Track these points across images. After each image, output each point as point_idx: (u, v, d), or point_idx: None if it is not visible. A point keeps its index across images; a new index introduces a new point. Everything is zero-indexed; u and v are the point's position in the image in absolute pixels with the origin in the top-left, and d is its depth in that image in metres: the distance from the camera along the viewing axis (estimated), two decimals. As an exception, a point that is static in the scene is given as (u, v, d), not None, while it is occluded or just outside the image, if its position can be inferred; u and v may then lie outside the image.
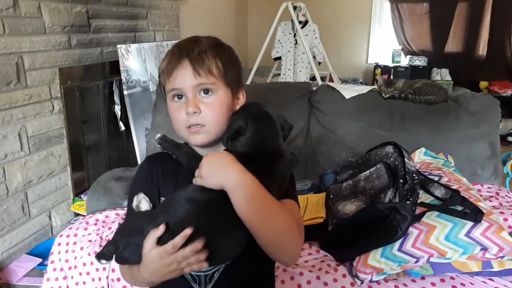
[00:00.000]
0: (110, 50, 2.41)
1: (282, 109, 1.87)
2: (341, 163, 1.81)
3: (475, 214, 1.21)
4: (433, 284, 1.21)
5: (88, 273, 1.43)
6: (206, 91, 0.86)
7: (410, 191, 1.28)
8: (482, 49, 4.87)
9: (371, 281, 1.23)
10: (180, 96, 0.87)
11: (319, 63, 3.86)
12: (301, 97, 2.07)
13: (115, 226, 1.54)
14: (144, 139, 2.49)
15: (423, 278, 1.23)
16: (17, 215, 1.87)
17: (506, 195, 1.64)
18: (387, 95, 1.98)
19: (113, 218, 1.62)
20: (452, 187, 1.37)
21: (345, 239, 1.34)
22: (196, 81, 0.84)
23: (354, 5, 5.26)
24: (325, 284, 1.22)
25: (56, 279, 1.49)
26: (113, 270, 1.40)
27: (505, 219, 1.40)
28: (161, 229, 0.74)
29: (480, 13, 4.78)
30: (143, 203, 0.87)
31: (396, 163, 1.42)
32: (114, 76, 2.39)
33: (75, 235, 1.53)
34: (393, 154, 1.49)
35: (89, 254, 1.44)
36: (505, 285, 1.21)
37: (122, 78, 2.35)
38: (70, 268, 1.46)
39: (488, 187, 1.73)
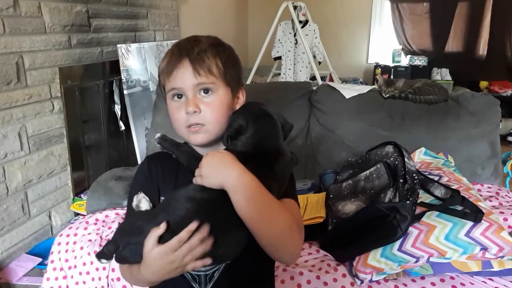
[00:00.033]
0: (110, 50, 2.41)
1: (282, 109, 1.87)
2: (341, 163, 1.81)
3: (475, 214, 1.21)
4: (433, 284, 1.21)
5: (88, 273, 1.43)
6: (206, 91, 0.86)
7: (410, 191, 1.28)
8: (482, 49, 4.88)
9: (371, 281, 1.23)
10: (180, 96, 0.87)
11: (319, 62, 3.86)
12: (301, 97, 2.07)
13: (115, 226, 1.54)
14: (144, 138, 2.49)
15: (423, 278, 1.23)
16: (17, 215, 1.87)
17: (506, 195, 1.64)
18: (387, 95, 1.98)
19: (113, 217, 1.62)
20: (452, 187, 1.37)
21: (345, 239, 1.34)
22: (196, 80, 0.84)
23: (355, 5, 5.26)
24: (325, 283, 1.22)
25: (56, 278, 1.49)
26: (113, 270, 1.40)
27: (505, 219, 1.40)
28: (162, 227, 0.74)
29: (481, 13, 4.78)
30: (143, 202, 0.87)
31: (396, 163, 1.42)
32: (114, 75, 2.39)
33: (75, 234, 1.53)
34: (393, 154, 1.49)
35: (89, 254, 1.44)
36: (505, 285, 1.21)
37: (122, 78, 2.35)
38: (70, 268, 1.46)
39: (488, 187, 1.73)
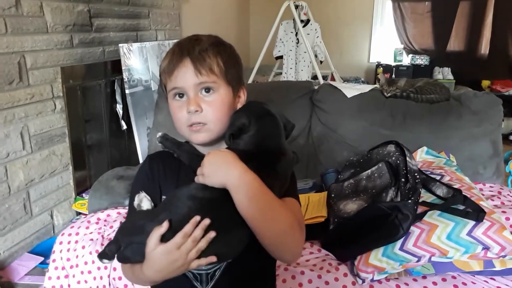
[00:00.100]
0: (112, 49, 2.41)
1: (283, 108, 1.87)
2: (342, 162, 1.81)
3: (477, 213, 1.20)
4: (434, 283, 1.21)
5: (89, 272, 1.43)
6: (208, 90, 0.86)
7: (412, 190, 1.27)
8: (484, 48, 4.87)
9: (372, 280, 1.23)
10: (181, 95, 0.87)
11: (321, 62, 3.86)
12: (302, 96, 2.07)
13: (116, 225, 1.54)
14: (146, 138, 2.49)
15: (424, 277, 1.23)
16: (19, 214, 1.88)
17: (508, 194, 1.63)
18: (389, 94, 1.98)
19: (115, 217, 1.62)
20: (454, 186, 1.37)
21: (347, 238, 1.34)
22: (198, 79, 0.84)
23: (356, 4, 5.26)
24: (327, 283, 1.22)
25: (58, 277, 1.49)
26: (114, 269, 1.40)
27: (507, 218, 1.39)
28: (164, 226, 0.74)
29: (482, 12, 4.77)
30: (144, 202, 0.87)
31: (398, 162, 1.42)
32: (116, 75, 2.40)
33: (77, 234, 1.53)
34: (395, 153, 1.48)
35: (90, 253, 1.44)
36: (507, 285, 1.20)
37: (124, 77, 2.35)
38: (71, 267, 1.46)
39: (490, 186, 1.73)
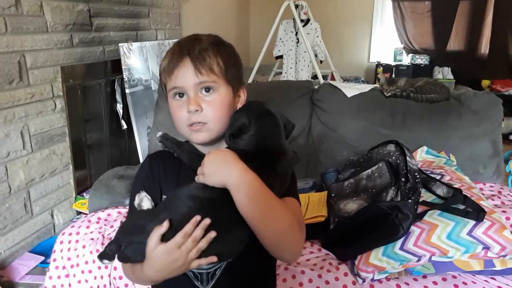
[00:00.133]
0: (112, 49, 2.41)
1: (283, 108, 1.87)
2: (342, 162, 1.81)
3: (477, 213, 1.20)
4: (435, 282, 1.21)
5: (90, 271, 1.43)
6: (208, 89, 0.86)
7: (412, 190, 1.27)
8: (484, 47, 4.87)
9: (372, 279, 1.23)
10: (181, 95, 0.87)
11: (321, 61, 3.86)
12: (302, 96, 2.07)
13: (117, 225, 1.54)
14: (146, 137, 2.49)
15: (425, 277, 1.23)
16: (19, 213, 1.88)
17: (508, 194, 1.63)
18: (389, 94, 1.98)
19: (115, 216, 1.62)
20: (454, 186, 1.37)
21: (347, 238, 1.34)
22: (198, 79, 0.84)
23: (356, 4, 5.26)
24: (327, 282, 1.22)
25: (59, 277, 1.49)
26: (115, 268, 1.40)
27: (507, 218, 1.39)
28: (165, 225, 0.74)
29: (482, 12, 4.77)
30: (145, 201, 0.87)
31: (398, 161, 1.42)
32: (116, 74, 2.40)
33: (77, 233, 1.53)
34: (395, 152, 1.48)
35: (91, 252, 1.44)
36: (507, 284, 1.20)
37: (124, 77, 2.35)
38: (72, 266, 1.47)
39: (490, 186, 1.73)
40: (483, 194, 1.52)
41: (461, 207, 1.25)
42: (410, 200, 1.22)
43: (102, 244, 1.45)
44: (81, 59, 2.18)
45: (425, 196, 1.36)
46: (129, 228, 0.84)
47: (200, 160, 0.79)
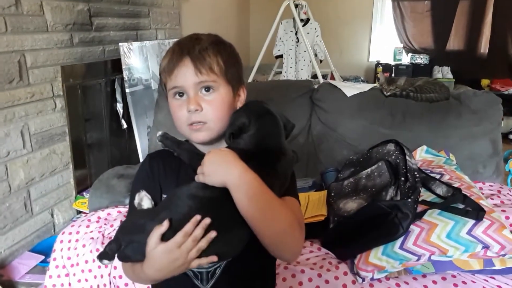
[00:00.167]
0: (112, 48, 2.41)
1: (283, 107, 1.87)
2: (342, 161, 1.81)
3: (476, 212, 1.21)
4: (434, 282, 1.21)
5: (90, 270, 1.43)
6: (207, 89, 0.86)
7: (412, 189, 1.28)
8: (484, 47, 4.87)
9: (372, 279, 1.23)
10: (181, 94, 0.88)
11: (321, 61, 3.87)
12: (302, 95, 2.07)
13: (117, 224, 1.54)
14: (146, 137, 2.49)
15: (424, 276, 1.23)
16: (19, 213, 1.88)
17: (508, 193, 1.63)
18: (388, 93, 1.98)
19: (115, 215, 1.62)
20: (454, 185, 1.37)
21: (347, 237, 1.35)
22: (198, 78, 0.85)
23: (356, 3, 5.26)
24: (326, 281, 1.22)
25: (59, 276, 1.50)
26: (115, 268, 1.40)
27: (507, 217, 1.40)
28: (165, 225, 0.74)
29: (482, 11, 4.77)
30: (145, 200, 0.87)
31: (398, 161, 1.42)
32: (116, 74, 2.40)
33: (77, 232, 1.54)
34: (394, 152, 1.48)
35: (91, 252, 1.44)
36: (506, 283, 1.20)
37: (124, 76, 2.36)
38: (72, 265, 1.47)
39: (490, 185, 1.73)
40: (483, 194, 1.52)
41: (461, 206, 1.25)
42: (409, 199, 1.22)
43: (102, 243, 1.45)
44: (81, 58, 2.18)
45: (425, 195, 1.36)
46: (129, 228, 0.84)
47: (200, 159, 0.79)
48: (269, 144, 0.84)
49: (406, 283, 1.22)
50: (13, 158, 1.82)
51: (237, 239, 0.78)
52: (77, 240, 1.51)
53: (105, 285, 1.41)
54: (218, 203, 0.77)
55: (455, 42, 5.01)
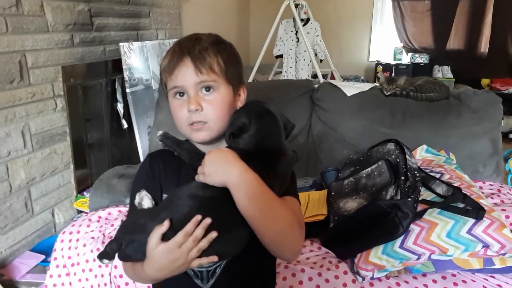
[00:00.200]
0: (112, 48, 2.41)
1: (283, 107, 1.88)
2: (342, 161, 1.81)
3: (476, 211, 1.21)
4: (434, 281, 1.21)
5: (90, 270, 1.44)
6: (208, 89, 0.86)
7: (412, 188, 1.28)
8: (484, 46, 4.86)
9: (372, 278, 1.23)
10: (181, 94, 0.88)
11: (321, 60, 3.87)
12: (302, 95, 2.08)
13: (117, 223, 1.55)
14: (146, 136, 2.49)
15: (424, 275, 1.23)
16: (20, 212, 1.88)
17: (508, 192, 1.64)
18: (388, 93, 1.98)
19: (116, 215, 1.63)
20: (454, 184, 1.37)
21: (347, 236, 1.35)
22: (198, 78, 0.85)
23: (356, 3, 5.26)
24: (327, 281, 1.22)
25: (59, 275, 1.50)
26: (115, 267, 1.40)
27: (507, 216, 1.40)
28: (165, 225, 0.74)
29: (482, 10, 4.77)
30: (145, 200, 0.88)
31: (398, 160, 1.42)
32: (116, 74, 2.40)
33: (78, 232, 1.54)
34: (394, 151, 1.49)
35: (91, 251, 1.45)
36: (506, 282, 1.20)
37: (125, 76, 2.36)
38: (73, 265, 1.47)
39: (490, 184, 1.73)
40: (483, 193, 1.52)
41: (461, 205, 1.25)
42: (409, 199, 1.23)
43: (103, 242, 1.46)
44: (82, 58, 2.18)
45: (425, 194, 1.36)
46: (129, 227, 0.84)
47: (201, 159, 0.80)
48: (269, 144, 0.84)
49: (406, 282, 1.22)
50: (14, 158, 1.82)
51: (237, 239, 0.79)
52: (77, 240, 1.51)
53: (105, 284, 1.42)
54: (218, 203, 0.78)
55: (455, 42, 5.00)
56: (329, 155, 1.97)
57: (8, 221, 1.82)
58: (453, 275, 1.22)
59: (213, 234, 0.74)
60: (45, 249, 1.92)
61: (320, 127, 2.03)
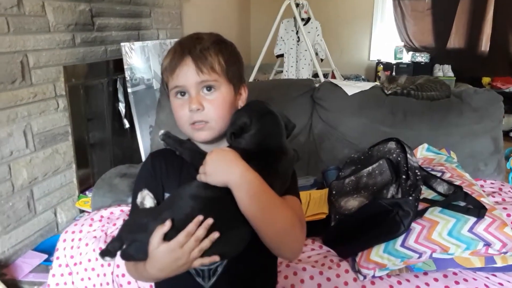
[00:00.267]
0: (114, 48, 2.42)
1: (284, 106, 1.88)
2: (343, 159, 1.81)
3: (478, 210, 1.21)
4: (435, 279, 1.21)
5: (93, 269, 1.44)
6: (209, 88, 0.87)
7: (413, 187, 1.28)
8: (485, 44, 4.85)
9: (373, 276, 1.23)
10: (183, 93, 0.88)
11: (322, 60, 3.87)
12: (303, 94, 2.08)
13: (119, 223, 1.55)
14: (148, 136, 2.50)
15: (425, 273, 1.23)
16: (23, 212, 1.89)
17: (509, 191, 1.63)
18: (389, 92, 1.98)
19: (118, 214, 1.63)
20: (455, 183, 1.37)
21: (348, 235, 1.35)
22: (199, 78, 0.85)
23: (356, 2, 5.26)
24: (328, 279, 1.22)
25: (62, 274, 1.50)
26: (117, 266, 1.41)
27: (508, 215, 1.39)
28: (167, 225, 0.75)
29: (483, 9, 4.76)
30: (147, 199, 0.88)
31: (399, 159, 1.42)
32: (118, 74, 2.40)
33: (80, 231, 1.54)
34: (395, 150, 1.49)
35: (94, 250, 1.45)
36: (508, 281, 1.20)
37: (126, 76, 2.36)
38: (75, 264, 1.48)
39: (491, 183, 1.73)
40: (484, 191, 1.52)
41: (462, 204, 1.25)
42: (410, 197, 1.23)
43: (105, 242, 1.46)
44: (83, 58, 2.19)
45: (426, 193, 1.36)
46: (131, 226, 0.84)
47: (202, 158, 0.80)
48: (270, 143, 0.84)
49: (408, 280, 1.22)
50: (16, 158, 1.83)
51: (238, 239, 0.79)
52: (80, 239, 1.52)
53: (108, 283, 1.42)
54: (220, 202, 0.78)
55: (455, 40, 5.00)
56: (330, 154, 1.97)
57: (11, 221, 1.83)
58: (455, 273, 1.22)
59: (215, 235, 0.74)
60: (47, 248, 1.93)
61: (321, 126, 2.03)
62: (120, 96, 2.43)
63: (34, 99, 1.89)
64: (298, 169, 0.93)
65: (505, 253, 1.19)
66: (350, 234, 1.34)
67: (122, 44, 2.34)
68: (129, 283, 1.39)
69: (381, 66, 5.01)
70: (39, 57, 1.90)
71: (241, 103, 0.93)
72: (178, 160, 0.91)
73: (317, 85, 2.14)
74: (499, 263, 1.21)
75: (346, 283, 1.22)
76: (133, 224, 0.85)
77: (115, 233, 1.42)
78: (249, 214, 0.76)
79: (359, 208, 1.36)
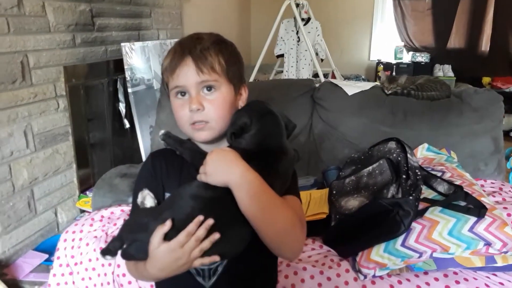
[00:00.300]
0: (114, 49, 2.42)
1: (285, 106, 1.88)
2: (343, 159, 1.81)
3: (478, 209, 1.21)
4: (436, 279, 1.21)
5: (93, 269, 1.44)
6: (209, 88, 0.87)
7: (413, 187, 1.28)
8: (485, 44, 4.85)
9: (374, 276, 1.23)
10: (183, 93, 0.88)
11: (322, 60, 3.87)
12: (303, 94, 2.08)
13: (120, 222, 1.55)
14: (148, 136, 2.50)
15: (426, 273, 1.23)
16: (23, 212, 1.89)
17: (509, 191, 1.63)
18: (389, 92, 1.98)
19: (118, 214, 1.63)
20: (455, 183, 1.37)
21: (348, 235, 1.35)
22: (199, 78, 0.85)
23: (356, 2, 5.26)
24: (328, 279, 1.22)
25: (62, 274, 1.51)
26: (118, 266, 1.41)
27: (509, 214, 1.39)
28: (167, 225, 0.75)
29: (483, 9, 4.76)
30: (147, 199, 0.88)
31: (399, 158, 1.42)
32: (118, 74, 2.41)
33: (81, 231, 1.55)
34: (395, 150, 1.49)
35: (94, 250, 1.45)
36: (508, 280, 1.20)
37: (127, 76, 2.36)
38: (76, 264, 1.48)
39: (491, 183, 1.73)
40: (484, 191, 1.52)
41: (462, 203, 1.25)
42: (411, 197, 1.23)
43: (106, 242, 1.46)
44: (84, 59, 2.19)
45: (426, 193, 1.36)
46: (132, 226, 0.84)
47: (203, 158, 0.80)
48: (270, 144, 0.84)
49: (408, 280, 1.22)
50: (17, 158, 1.83)
51: (239, 239, 0.79)
52: (80, 239, 1.52)
53: (108, 283, 1.42)
54: (220, 202, 0.78)
55: (456, 40, 5.00)
56: (330, 154, 1.98)
57: (11, 221, 1.83)
58: (455, 273, 1.22)
59: (216, 236, 0.74)
60: (48, 248, 1.93)
61: (321, 126, 2.03)
62: (121, 96, 2.43)
63: (35, 99, 1.89)
64: (298, 169, 0.93)
65: (506, 252, 1.19)
66: (351, 233, 1.34)
67: (122, 44, 2.34)
68: (129, 282, 1.40)
69: (381, 66, 5.01)
70: (40, 57, 1.90)
71: (241, 103, 0.93)
72: (178, 160, 0.91)
73: (317, 85, 2.15)
74: (500, 263, 1.21)
75: (346, 283, 1.22)
76: (133, 224, 0.85)
77: (116, 233, 1.42)
78: (249, 214, 0.76)
79: (360, 208, 1.36)
